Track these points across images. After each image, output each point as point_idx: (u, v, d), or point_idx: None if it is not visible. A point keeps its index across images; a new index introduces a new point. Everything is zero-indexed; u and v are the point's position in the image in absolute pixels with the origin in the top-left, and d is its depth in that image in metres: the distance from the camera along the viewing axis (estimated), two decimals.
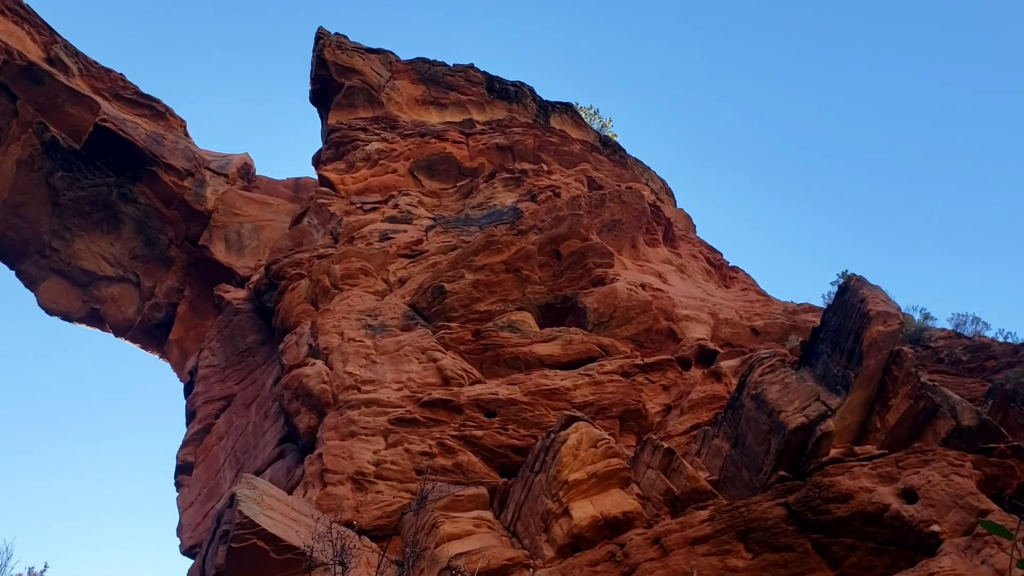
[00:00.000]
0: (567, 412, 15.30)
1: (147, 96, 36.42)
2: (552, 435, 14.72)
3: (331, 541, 10.18)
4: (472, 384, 18.31)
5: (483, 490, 15.31)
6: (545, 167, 30.01)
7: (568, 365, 19.10)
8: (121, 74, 36.09)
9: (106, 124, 32.74)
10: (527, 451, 16.09)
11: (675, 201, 35.84)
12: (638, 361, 19.40)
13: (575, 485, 13.94)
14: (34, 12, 33.92)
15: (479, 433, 17.12)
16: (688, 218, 33.87)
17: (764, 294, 27.24)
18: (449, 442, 16.85)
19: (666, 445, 14.65)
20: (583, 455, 14.22)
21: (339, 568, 9.97)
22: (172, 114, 36.93)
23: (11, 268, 34.80)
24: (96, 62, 35.69)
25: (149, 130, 34.89)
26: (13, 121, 32.12)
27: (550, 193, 26.58)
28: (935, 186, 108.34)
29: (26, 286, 35.16)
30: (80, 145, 32.73)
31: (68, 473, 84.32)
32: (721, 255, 30.59)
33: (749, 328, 22.66)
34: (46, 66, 32.67)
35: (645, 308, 21.05)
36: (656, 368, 19.44)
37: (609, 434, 15.97)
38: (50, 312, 34.92)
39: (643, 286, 22.06)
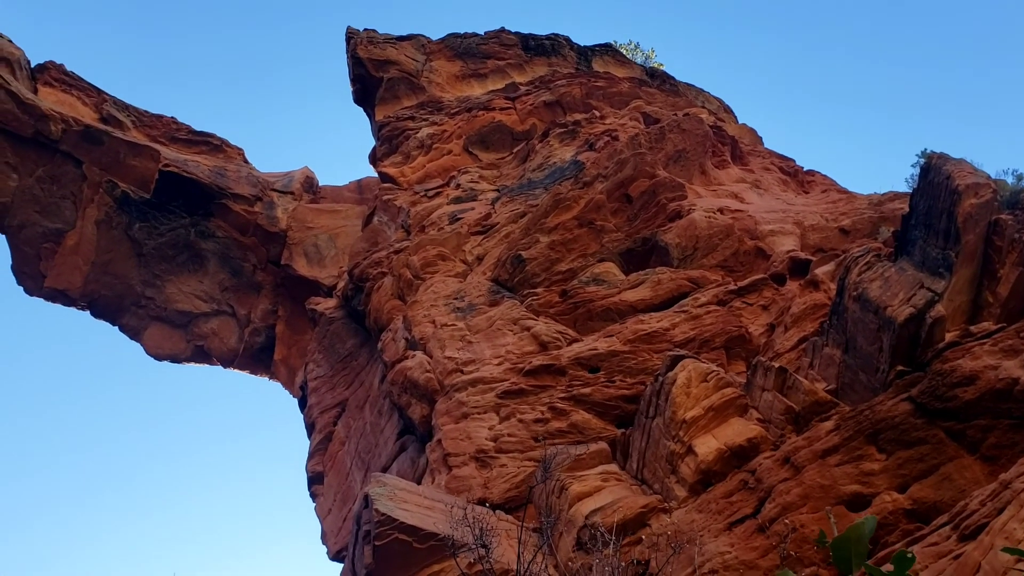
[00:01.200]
0: (670, 352, 15.19)
1: (201, 133, 37.28)
2: (660, 378, 14.65)
3: (468, 524, 10.38)
4: (570, 344, 18.34)
5: (603, 445, 15.37)
6: (597, 113, 29.59)
7: (661, 306, 18.92)
8: (172, 117, 36.99)
9: (169, 168, 33.68)
10: (638, 399, 16.06)
11: (736, 118, 34.95)
12: (731, 287, 19.08)
13: (693, 422, 13.86)
14: (79, 77, 35.01)
15: (587, 390, 17.16)
16: (753, 132, 33.00)
17: (846, 191, 26.40)
18: (560, 405, 16.94)
19: (777, 364, 14.42)
20: (695, 391, 14.11)
21: (482, 550, 10.16)
22: (228, 144, 37.73)
23: (113, 324, 36.25)
24: (146, 111, 36.67)
25: (210, 165, 35.74)
26: (83, 185, 33.34)
27: (608, 138, 26.22)
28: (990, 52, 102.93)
29: (130, 338, 36.61)
30: (150, 194, 33.77)
31: (218, 509, 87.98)
32: (793, 162, 29.74)
33: (837, 229, 22.02)
34: (101, 125, 33.73)
35: (727, 232, 20.66)
36: (751, 290, 19.08)
37: (717, 365, 15.82)
38: (158, 358, 36.30)
39: (721, 210, 21.64)
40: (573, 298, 19.58)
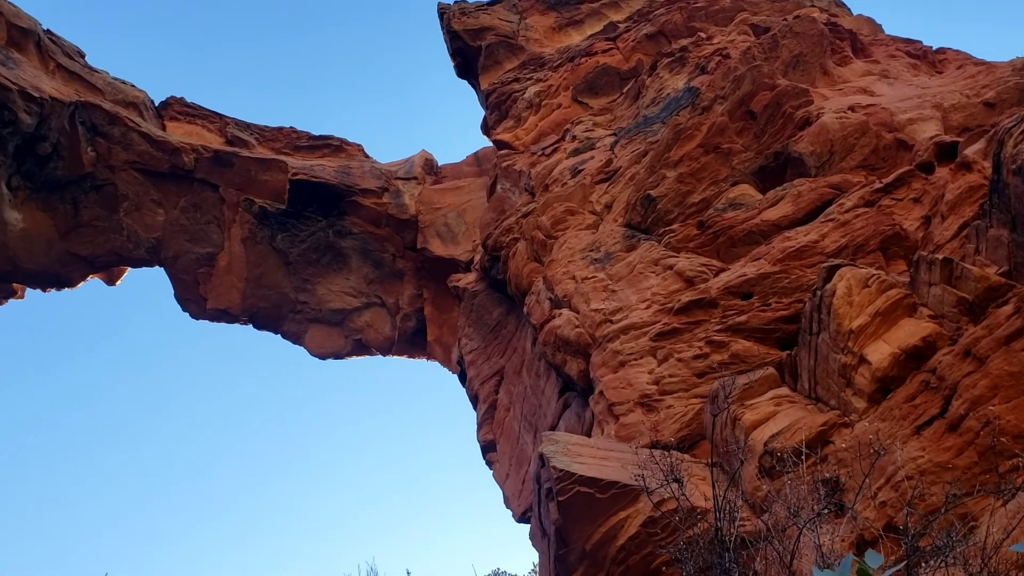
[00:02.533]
0: (825, 264, 14.61)
1: (320, 137, 38.45)
2: (818, 292, 14.13)
3: (652, 465, 10.40)
4: (717, 275, 17.92)
5: (770, 370, 14.98)
6: (703, 35, 28.58)
7: (806, 219, 18.18)
8: (291, 127, 38.29)
9: (298, 177, 34.96)
10: (798, 318, 15.55)
11: (849, 10, 33.01)
12: (877, 185, 18.10)
13: (861, 331, 13.30)
14: (200, 106, 36.68)
15: (742, 318, 16.74)
16: (871, 21, 31.07)
17: (984, 62, 24.49)
18: (716, 337, 16.61)
19: (940, 256, 13.63)
20: (858, 299, 13.52)
21: (675, 485, 10.16)
22: (347, 143, 38.78)
23: (275, 333, 38.13)
24: (266, 126, 38.11)
25: (335, 166, 36.85)
26: (223, 207, 35.05)
27: (719, 57, 25.31)
28: None
29: (293, 343, 38.42)
30: (285, 204, 35.18)
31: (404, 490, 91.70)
32: (920, 43, 27.84)
33: (981, 104, 20.51)
34: (229, 148, 35.29)
35: (863, 129, 19.59)
36: (899, 184, 18.06)
37: (876, 268, 15.11)
38: (322, 357, 37.95)
39: (852, 108, 20.53)
40: (712, 228, 19.09)
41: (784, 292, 16.92)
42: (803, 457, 11.58)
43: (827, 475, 12.23)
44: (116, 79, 35.67)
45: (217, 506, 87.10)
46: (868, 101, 21.40)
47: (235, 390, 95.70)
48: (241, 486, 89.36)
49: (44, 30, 34.04)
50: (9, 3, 32.83)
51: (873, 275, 13.90)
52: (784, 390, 14.73)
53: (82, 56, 35.44)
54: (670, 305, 17.75)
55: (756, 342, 16.57)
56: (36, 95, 30.85)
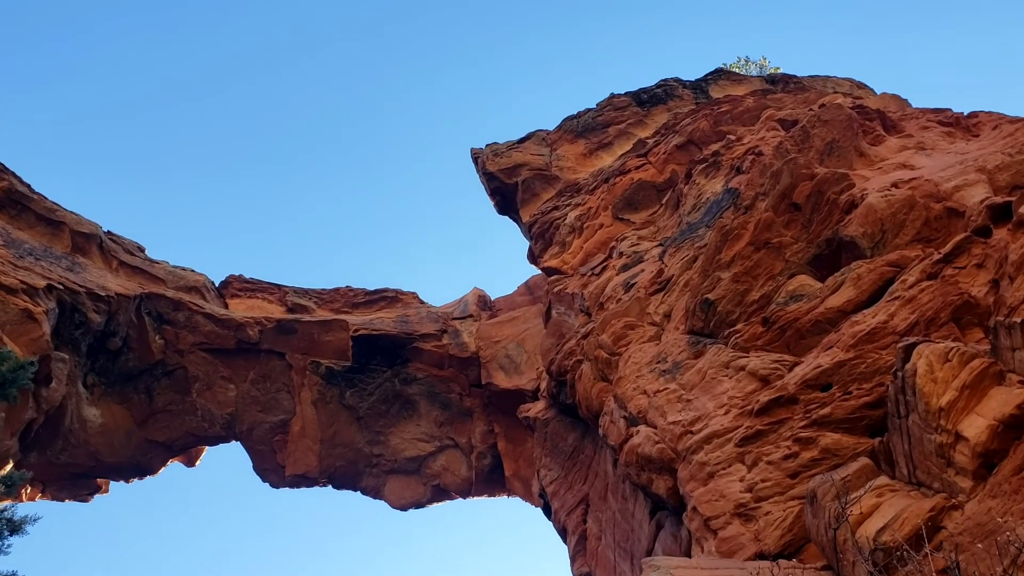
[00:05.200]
0: (900, 344, 14.30)
1: (375, 291, 39.46)
2: (899, 373, 13.77)
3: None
4: (791, 370, 17.60)
5: (865, 460, 14.48)
6: (732, 136, 29.12)
7: (870, 300, 17.92)
8: (347, 287, 39.43)
9: (359, 333, 35.69)
10: (882, 402, 15.14)
11: (873, 91, 33.49)
12: (936, 257, 17.86)
13: (951, 407, 12.86)
14: (258, 280, 38.04)
15: (826, 411, 16.31)
16: (896, 98, 31.45)
17: (1019, 119, 24.48)
18: (803, 434, 16.17)
19: (1018, 319, 13.27)
20: (941, 374, 13.14)
21: None
22: (401, 292, 39.69)
23: (354, 490, 38.10)
24: (323, 289, 39.28)
25: (393, 316, 37.60)
26: (291, 373, 35.73)
27: (752, 156, 25.67)
28: None
29: (373, 498, 38.28)
30: (350, 361, 35.79)
31: None
32: (950, 110, 27.99)
33: None
34: (290, 316, 36.27)
35: (910, 203, 19.51)
36: (958, 252, 17.78)
37: (952, 340, 14.74)
38: (403, 508, 37.69)
39: (895, 185, 20.52)
40: (777, 323, 18.89)
41: (863, 378, 16.52)
42: (914, 548, 11.03)
43: (946, 563, 11.62)
44: (176, 267, 37.28)
45: None
46: (910, 175, 21.39)
47: (323, 552, 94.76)
48: None
49: (105, 232, 35.92)
50: (71, 213, 34.83)
51: (952, 348, 13.55)
52: (883, 479, 14.17)
53: (142, 250, 37.20)
54: (749, 407, 17.40)
55: (844, 433, 16.08)
56: (103, 294, 32.28)
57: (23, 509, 15.98)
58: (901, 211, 19.34)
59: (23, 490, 32.83)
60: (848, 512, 12.24)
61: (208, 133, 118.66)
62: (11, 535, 14.58)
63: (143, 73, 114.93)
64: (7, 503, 16.90)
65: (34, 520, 14.89)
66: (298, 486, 37.36)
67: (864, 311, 17.60)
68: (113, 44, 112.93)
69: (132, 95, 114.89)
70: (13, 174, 33.97)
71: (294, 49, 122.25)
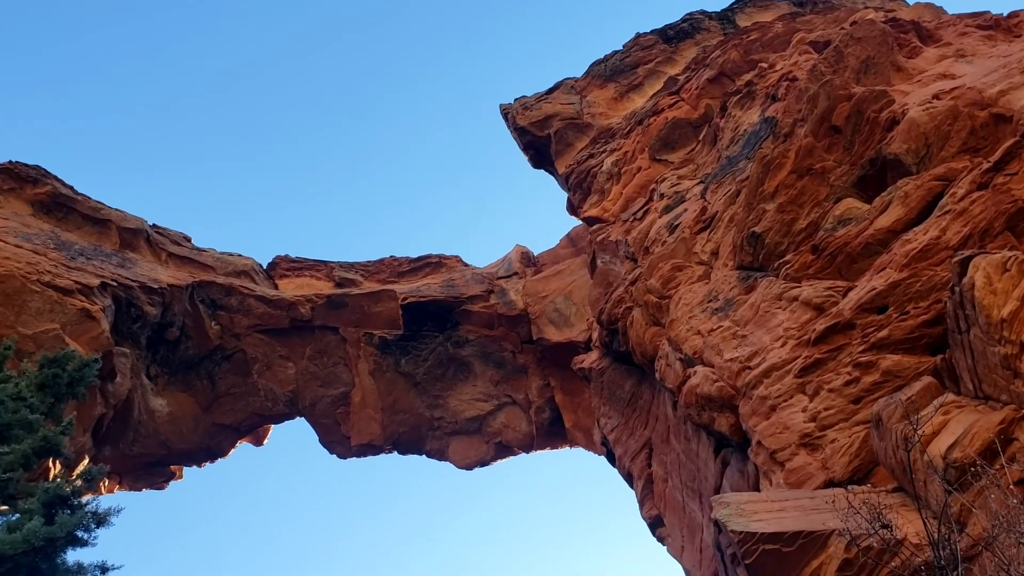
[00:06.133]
0: (954, 259, 14.02)
1: (419, 258, 39.66)
2: (956, 288, 13.53)
3: (849, 505, 10.07)
4: (845, 295, 17.38)
5: (928, 379, 14.30)
6: (764, 65, 28.49)
7: (920, 217, 17.54)
8: (391, 256, 39.71)
9: (408, 301, 35.98)
10: (941, 319, 14.90)
11: (906, 2, 32.46)
12: (985, 166, 17.38)
13: (1014, 317, 12.61)
14: (304, 258, 38.47)
15: (884, 333, 16.09)
16: (930, 6, 30.45)
17: None
18: (863, 359, 15.99)
19: None
20: (1000, 285, 12.88)
21: (884, 530, 9.75)
22: (445, 257, 39.84)
23: (419, 454, 38.72)
24: (368, 261, 39.60)
25: (439, 282, 37.81)
26: (346, 347, 36.21)
27: (787, 82, 25.12)
28: None
29: (438, 460, 38.86)
30: (402, 329, 36.15)
31: None
32: (988, 13, 27.04)
33: None
34: (339, 290, 36.67)
35: (954, 114, 18.96)
36: (1008, 159, 17.25)
37: (1009, 249, 14.41)
38: (469, 468, 38.21)
39: (936, 96, 19.95)
40: (827, 249, 18.60)
41: (919, 296, 16.25)
42: (988, 463, 10.92)
43: (1022, 474, 11.48)
44: (223, 253, 37.81)
45: None
46: (951, 85, 20.78)
47: (394, 515, 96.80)
48: None
49: (150, 225, 36.49)
50: (116, 210, 35.42)
51: (1010, 257, 13.25)
52: (949, 396, 14.00)
53: (188, 240, 37.76)
54: (806, 337, 17.24)
55: (904, 353, 15.86)
56: (156, 286, 32.90)
57: (104, 502, 16.51)
58: (945, 123, 18.82)
59: (102, 483, 33.90)
60: (918, 432, 12.11)
61: (236, 118, 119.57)
62: (97, 527, 15.10)
63: (165, 64, 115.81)
64: (88, 497, 17.48)
65: (117, 511, 15.40)
66: (364, 455, 38.07)
67: (915, 229, 17.27)
68: (137, 38, 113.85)
69: (158, 88, 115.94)
70: (55, 177, 34.59)
71: (318, 26, 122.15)
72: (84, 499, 16.62)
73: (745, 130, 26.01)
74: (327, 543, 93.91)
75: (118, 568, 16.02)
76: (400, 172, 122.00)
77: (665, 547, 25.49)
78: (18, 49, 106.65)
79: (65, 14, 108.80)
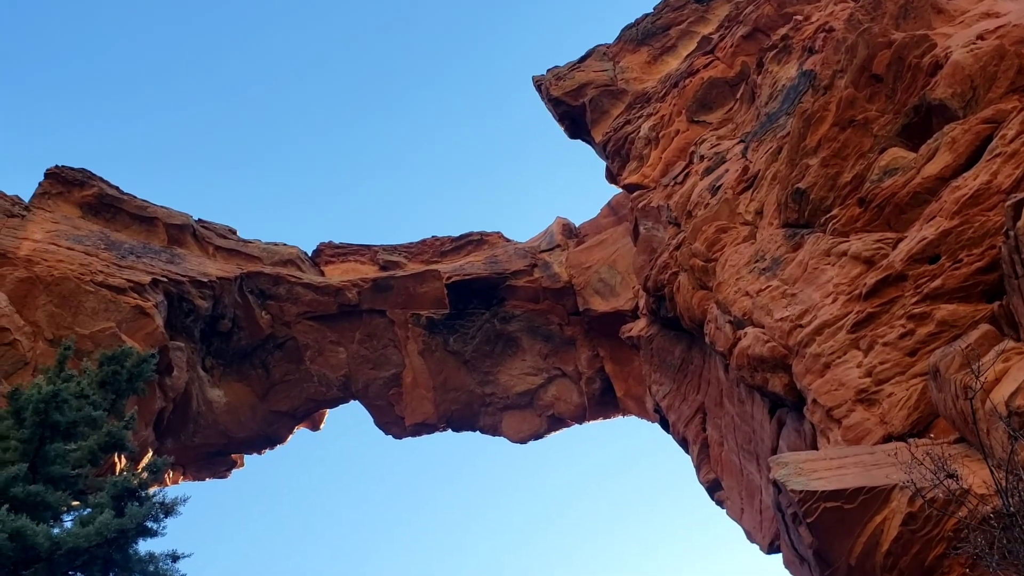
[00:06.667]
0: (1008, 203, 13.68)
1: (461, 237, 39.81)
2: (1011, 232, 13.21)
3: (912, 456, 10.00)
4: (895, 247, 17.06)
5: (985, 327, 14.01)
6: (799, 17, 27.90)
7: (969, 163, 17.10)
8: (432, 236, 39.94)
9: (452, 280, 36.17)
10: (996, 265, 14.56)
11: None
12: None
13: None
14: (347, 244, 38.85)
15: (937, 283, 15.78)
16: None
17: None
18: (917, 310, 15.70)
19: None
20: None
21: (949, 479, 9.65)
22: (486, 234, 39.93)
23: (473, 431, 39.05)
24: (410, 243, 39.88)
25: (481, 259, 37.91)
26: (394, 329, 36.55)
27: (823, 34, 24.58)
28: None
29: (492, 435, 39.15)
30: (448, 309, 36.37)
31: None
32: None
33: None
34: (384, 273, 36.98)
35: (999, 53, 18.39)
36: None
37: None
38: (523, 442, 38.44)
39: (980, 37, 19.35)
40: (874, 201, 18.25)
41: (972, 243, 15.87)
42: None
43: None
44: (269, 243, 38.30)
45: None
46: (995, 24, 20.13)
47: (453, 491, 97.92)
48: (498, 554, 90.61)
49: (196, 220, 37.07)
50: (161, 207, 36.03)
51: None
52: (1008, 343, 13.70)
53: (233, 232, 38.30)
54: (857, 292, 16.98)
55: (960, 302, 15.54)
56: (205, 280, 33.46)
57: (171, 492, 16.91)
58: (991, 63, 18.27)
59: (166, 475, 34.75)
60: (982, 380, 11.89)
61: (269, 110, 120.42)
62: (165, 517, 15.51)
63: (197, 58, 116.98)
64: (155, 489, 17.93)
65: (184, 500, 15.79)
66: (419, 434, 38.49)
67: (964, 174, 16.85)
68: (168, 32, 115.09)
69: (191, 83, 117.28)
70: (100, 179, 35.27)
71: (346, 15, 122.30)
72: (151, 491, 17.06)
73: (783, 85, 25.54)
74: (388, 522, 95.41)
75: (188, 556, 16.44)
76: (438, 153, 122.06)
77: (724, 510, 25.45)
78: (50, 54, 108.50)
79: (93, 15, 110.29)
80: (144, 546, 15.64)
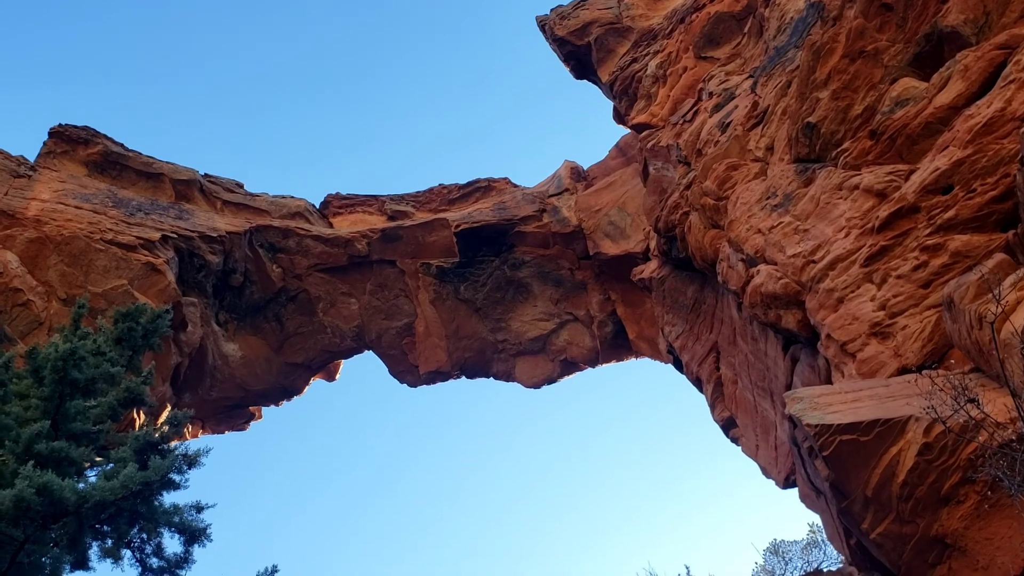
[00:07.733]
0: (1022, 130, 13.47)
1: (468, 184, 39.57)
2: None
3: (932, 383, 10.00)
4: (907, 179, 16.87)
5: (1000, 255, 13.89)
6: None
7: (982, 90, 16.77)
8: (440, 185, 39.69)
9: (461, 228, 36.05)
10: (1010, 192, 14.40)
11: None
12: None
13: None
14: (355, 195, 38.71)
15: (950, 213, 15.62)
16: None
17: None
18: (930, 241, 15.59)
19: None
20: None
21: (970, 404, 9.67)
22: (493, 180, 39.68)
23: (487, 377, 39.31)
24: (417, 191, 39.68)
25: (490, 206, 37.71)
26: (405, 278, 36.58)
27: None
28: None
29: (505, 381, 39.40)
30: (457, 257, 36.32)
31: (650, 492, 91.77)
32: None
33: None
34: (392, 223, 36.89)
35: None
36: None
37: None
38: (537, 387, 38.69)
39: None
40: (885, 133, 18.01)
41: (986, 172, 15.67)
42: None
43: None
44: (276, 196, 38.21)
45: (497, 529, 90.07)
46: None
47: (468, 437, 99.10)
48: (513, 496, 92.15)
49: (202, 175, 36.96)
50: (167, 163, 35.89)
51: None
52: (1023, 271, 13.62)
53: (241, 186, 38.20)
54: (869, 225, 16.85)
55: (974, 232, 15.40)
56: (215, 234, 33.48)
57: (192, 445, 17.10)
58: None
59: (186, 430, 35.21)
60: (1001, 306, 11.83)
61: (272, 62, 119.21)
62: (189, 468, 15.70)
63: (199, 11, 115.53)
64: (176, 442, 18.14)
65: (206, 451, 15.96)
66: (433, 382, 38.77)
67: (977, 103, 16.56)
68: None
69: (193, 38, 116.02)
70: (104, 136, 35.12)
71: None
72: (172, 444, 17.27)
73: (791, 18, 25.06)
74: (405, 469, 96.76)
75: (212, 506, 16.69)
76: (442, 100, 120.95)
77: (740, 447, 25.66)
78: (49, 12, 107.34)
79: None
80: (169, 498, 15.85)
